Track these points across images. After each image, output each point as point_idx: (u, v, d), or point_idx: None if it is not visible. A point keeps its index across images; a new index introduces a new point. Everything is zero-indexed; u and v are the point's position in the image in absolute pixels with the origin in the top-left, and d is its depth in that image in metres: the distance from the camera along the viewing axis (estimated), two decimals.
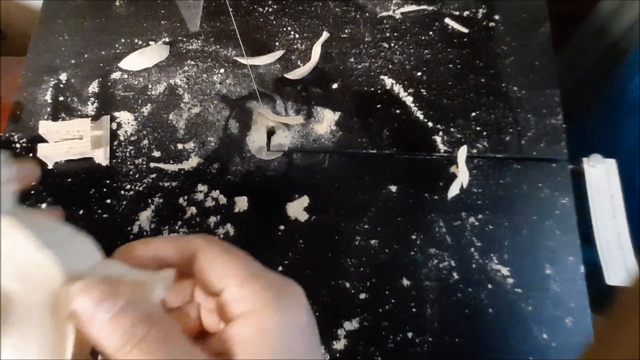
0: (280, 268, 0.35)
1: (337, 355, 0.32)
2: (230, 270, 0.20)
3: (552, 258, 0.35)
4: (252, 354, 0.18)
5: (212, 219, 0.36)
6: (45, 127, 0.37)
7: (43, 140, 0.38)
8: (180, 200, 0.37)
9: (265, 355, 0.18)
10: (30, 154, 0.38)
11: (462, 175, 0.37)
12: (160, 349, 0.17)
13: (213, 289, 0.20)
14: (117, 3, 0.45)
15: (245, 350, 0.18)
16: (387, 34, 0.43)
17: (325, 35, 0.42)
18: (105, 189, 0.37)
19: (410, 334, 0.33)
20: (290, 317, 0.19)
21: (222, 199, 0.37)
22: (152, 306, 0.17)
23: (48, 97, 0.41)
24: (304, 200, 0.37)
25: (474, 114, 0.39)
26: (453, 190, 0.37)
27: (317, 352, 0.20)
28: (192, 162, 0.38)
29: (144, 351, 0.17)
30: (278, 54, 0.42)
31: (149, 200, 0.37)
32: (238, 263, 0.20)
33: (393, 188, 0.37)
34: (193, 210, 0.36)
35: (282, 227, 0.36)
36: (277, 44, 0.43)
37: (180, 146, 0.39)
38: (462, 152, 0.37)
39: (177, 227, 0.36)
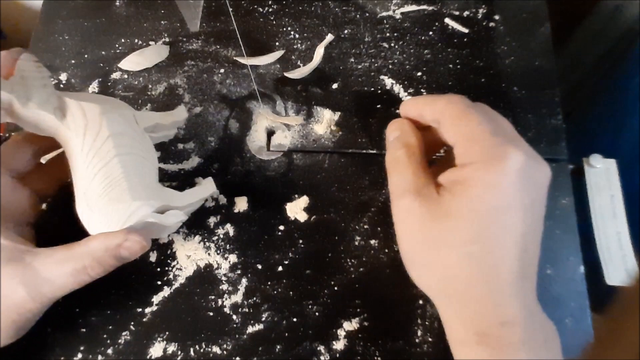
0: (280, 268, 0.35)
1: (337, 355, 0.32)
2: (458, 132, 0.27)
3: (552, 258, 0.35)
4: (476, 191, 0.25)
5: (212, 219, 0.36)
6: None
7: None
8: None
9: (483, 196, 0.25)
10: None
11: None
12: (409, 159, 0.29)
13: (450, 142, 0.28)
14: (117, 3, 0.45)
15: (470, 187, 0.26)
16: (387, 34, 0.43)
17: (329, 37, 0.42)
18: None
19: (411, 334, 0.33)
20: (496, 173, 0.25)
21: (222, 199, 0.37)
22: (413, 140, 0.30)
23: None
24: (304, 201, 0.37)
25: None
26: None
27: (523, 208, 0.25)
28: (192, 162, 0.38)
29: (404, 148, 0.30)
30: (278, 54, 0.42)
31: None
32: (466, 127, 0.27)
33: None
34: None
35: (281, 227, 0.36)
36: (277, 44, 0.43)
37: (180, 146, 0.39)
38: None
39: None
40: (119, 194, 0.28)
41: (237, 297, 0.34)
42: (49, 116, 0.27)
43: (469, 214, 0.25)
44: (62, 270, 0.28)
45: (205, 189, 0.33)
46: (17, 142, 0.32)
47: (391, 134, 0.31)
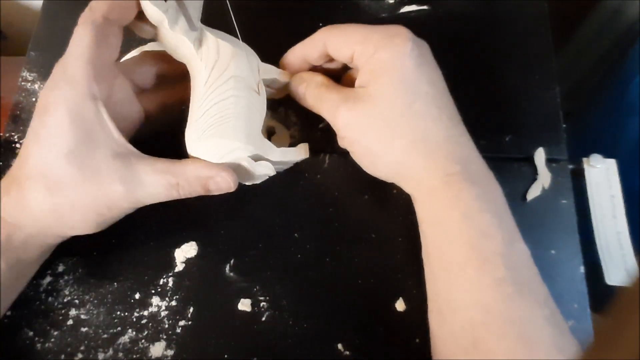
0: (280, 270, 0.35)
1: (338, 356, 0.32)
2: (352, 42, 0.30)
3: (552, 258, 0.35)
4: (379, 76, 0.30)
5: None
6: None
7: None
8: None
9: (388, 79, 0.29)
10: None
11: None
12: (327, 89, 0.32)
13: (345, 57, 0.31)
14: None
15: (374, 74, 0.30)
16: None
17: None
18: None
19: (412, 338, 0.33)
20: (397, 51, 0.29)
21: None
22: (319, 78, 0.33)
23: None
24: (304, 201, 0.36)
25: (474, 114, 0.39)
26: None
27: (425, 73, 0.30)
28: None
29: (318, 88, 0.33)
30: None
31: None
32: (354, 34, 0.31)
33: (394, 188, 0.37)
34: None
35: (282, 227, 0.36)
36: (276, 43, 0.43)
37: None
38: None
39: (178, 226, 0.36)
40: (224, 130, 0.30)
41: (247, 302, 0.34)
42: (188, 43, 0.30)
43: (397, 84, 0.29)
44: (158, 180, 0.29)
45: (299, 152, 0.34)
46: (144, 57, 0.34)
47: (299, 88, 0.34)
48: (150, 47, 0.37)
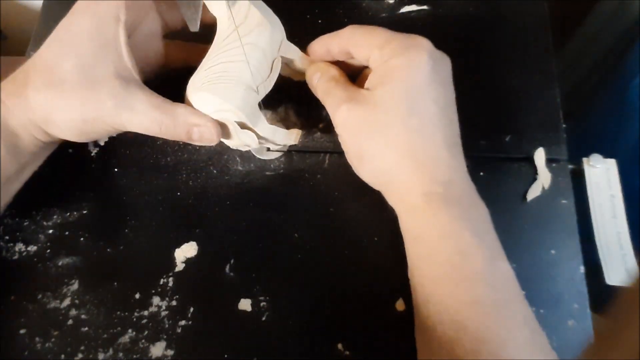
0: (280, 270, 0.35)
1: (338, 356, 0.32)
2: (372, 44, 0.31)
3: (552, 258, 0.35)
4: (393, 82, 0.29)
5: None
6: None
7: None
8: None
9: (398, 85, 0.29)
10: None
11: None
12: (337, 84, 0.32)
13: (363, 58, 0.32)
14: None
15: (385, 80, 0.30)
16: None
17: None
18: (107, 192, 0.37)
19: (412, 338, 0.33)
20: (415, 62, 0.29)
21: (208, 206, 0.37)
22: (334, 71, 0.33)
23: None
24: (304, 201, 0.36)
25: (474, 113, 0.39)
26: None
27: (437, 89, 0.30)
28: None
29: (329, 82, 0.33)
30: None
31: (149, 197, 0.37)
32: (377, 37, 0.31)
33: None
34: None
35: (282, 227, 0.36)
36: None
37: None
38: None
39: (178, 226, 0.36)
40: (219, 89, 0.30)
41: (247, 302, 0.34)
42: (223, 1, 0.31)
43: (400, 94, 0.29)
44: (148, 112, 0.30)
45: (289, 136, 0.35)
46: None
47: (313, 77, 0.34)
48: None
